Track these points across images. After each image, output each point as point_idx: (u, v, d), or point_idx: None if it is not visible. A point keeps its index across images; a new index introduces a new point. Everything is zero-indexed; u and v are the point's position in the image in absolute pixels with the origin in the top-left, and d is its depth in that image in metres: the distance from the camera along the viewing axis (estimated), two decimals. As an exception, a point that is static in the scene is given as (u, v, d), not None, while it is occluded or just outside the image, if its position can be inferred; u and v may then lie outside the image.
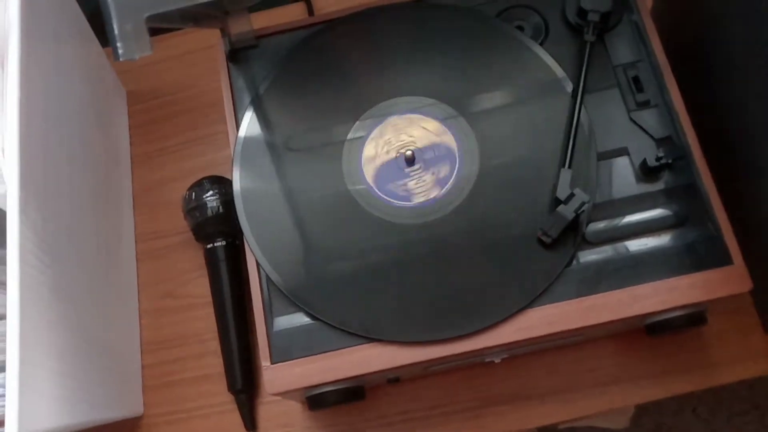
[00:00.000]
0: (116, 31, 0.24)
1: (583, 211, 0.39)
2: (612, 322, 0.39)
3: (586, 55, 0.42)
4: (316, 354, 0.39)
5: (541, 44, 0.44)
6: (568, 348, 0.47)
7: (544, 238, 0.39)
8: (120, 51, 0.24)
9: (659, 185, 0.41)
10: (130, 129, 0.58)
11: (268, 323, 0.40)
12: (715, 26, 0.45)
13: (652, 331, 0.42)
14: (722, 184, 0.48)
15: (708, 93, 0.48)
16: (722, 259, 0.39)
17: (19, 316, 0.33)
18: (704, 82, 0.48)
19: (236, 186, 0.43)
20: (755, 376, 0.46)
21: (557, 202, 0.39)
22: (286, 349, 0.40)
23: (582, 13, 0.43)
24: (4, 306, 0.34)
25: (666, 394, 0.46)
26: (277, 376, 0.39)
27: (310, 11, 0.56)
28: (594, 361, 0.47)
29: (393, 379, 0.45)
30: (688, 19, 0.48)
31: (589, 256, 0.40)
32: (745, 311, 0.47)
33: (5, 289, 0.32)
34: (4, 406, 0.33)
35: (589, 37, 0.43)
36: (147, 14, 0.24)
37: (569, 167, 0.40)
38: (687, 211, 0.40)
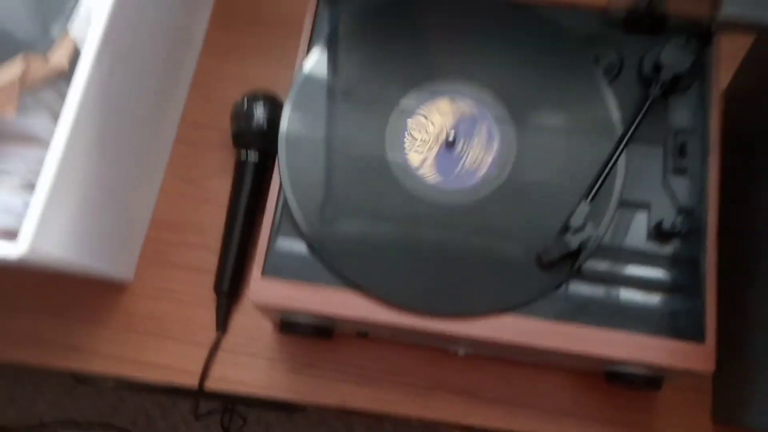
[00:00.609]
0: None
1: (587, 245, 0.41)
2: (576, 354, 0.41)
3: (644, 109, 0.44)
4: (302, 282, 0.42)
5: (610, 82, 0.46)
6: (529, 366, 0.50)
7: (543, 256, 0.41)
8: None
9: (666, 249, 0.43)
10: (211, 17, 0.60)
11: (272, 239, 0.43)
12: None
13: (611, 378, 0.44)
14: (725, 271, 0.50)
15: (747, 186, 0.49)
16: (696, 335, 0.41)
17: (64, 146, 0.35)
18: (748, 174, 0.49)
19: (286, 112, 0.45)
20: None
21: (567, 229, 0.41)
22: (279, 267, 0.43)
23: (657, 67, 0.45)
24: (46, 132, 0.36)
25: (601, 440, 0.48)
26: (263, 289, 0.42)
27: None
28: (548, 387, 0.49)
29: (363, 333, 0.48)
30: (757, 109, 0.50)
31: (579, 287, 0.42)
32: (702, 393, 0.49)
33: (55, 119, 0.35)
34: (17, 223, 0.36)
35: (654, 92, 0.44)
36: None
37: (590, 201, 0.42)
38: (682, 281, 0.42)
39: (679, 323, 0.41)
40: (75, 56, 0.38)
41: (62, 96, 0.37)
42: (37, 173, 0.36)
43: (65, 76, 0.37)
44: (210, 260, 0.53)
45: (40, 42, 0.40)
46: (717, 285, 0.49)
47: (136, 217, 0.52)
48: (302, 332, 0.44)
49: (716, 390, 0.49)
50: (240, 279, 0.51)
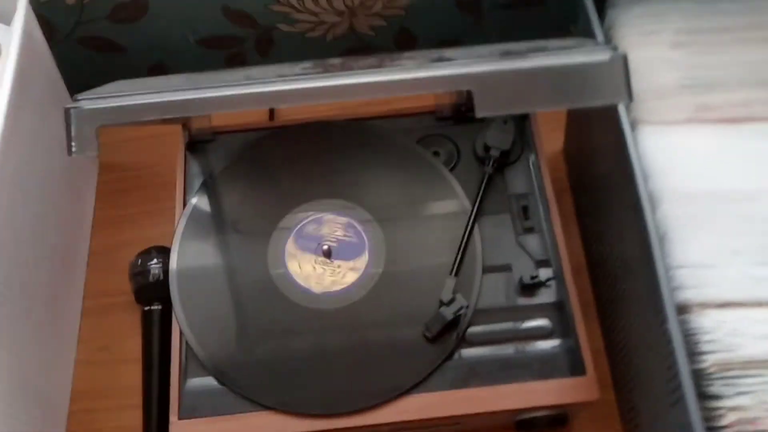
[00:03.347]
0: (73, 133, 0.31)
1: (461, 314, 0.46)
2: (479, 414, 0.45)
3: (483, 184, 0.50)
4: (219, 415, 0.45)
5: (451, 169, 0.52)
6: (452, 435, 0.53)
7: (426, 333, 0.46)
8: (73, 149, 0.31)
9: (534, 300, 0.48)
10: (97, 195, 0.65)
11: (182, 383, 0.46)
12: (595, 172, 0.53)
13: (520, 427, 0.48)
14: (600, 306, 0.56)
15: (598, 226, 0.56)
16: (578, 369, 0.46)
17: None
18: (596, 216, 0.56)
19: (173, 257, 0.50)
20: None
21: (441, 303, 0.46)
22: (194, 407, 0.45)
23: (487, 148, 0.52)
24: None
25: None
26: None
27: (271, 116, 0.64)
28: (474, 451, 0.52)
29: (291, 447, 0.50)
30: (586, 161, 0.57)
31: (468, 353, 0.47)
32: (611, 419, 0.53)
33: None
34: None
35: (488, 169, 0.51)
36: (101, 124, 0.31)
37: (455, 275, 0.47)
38: (554, 324, 0.47)
39: (560, 362, 0.46)
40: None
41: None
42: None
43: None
44: (136, 417, 0.54)
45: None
46: (600, 318, 0.55)
47: (54, 395, 0.54)
48: (231, 463, 0.46)
49: (622, 413, 0.53)
50: (166, 427, 0.53)
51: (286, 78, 0.35)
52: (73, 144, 0.31)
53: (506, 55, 0.35)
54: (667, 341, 0.36)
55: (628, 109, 0.42)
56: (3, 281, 0.45)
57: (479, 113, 0.32)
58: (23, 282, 0.49)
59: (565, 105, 0.40)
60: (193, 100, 0.34)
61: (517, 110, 0.38)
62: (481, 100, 0.32)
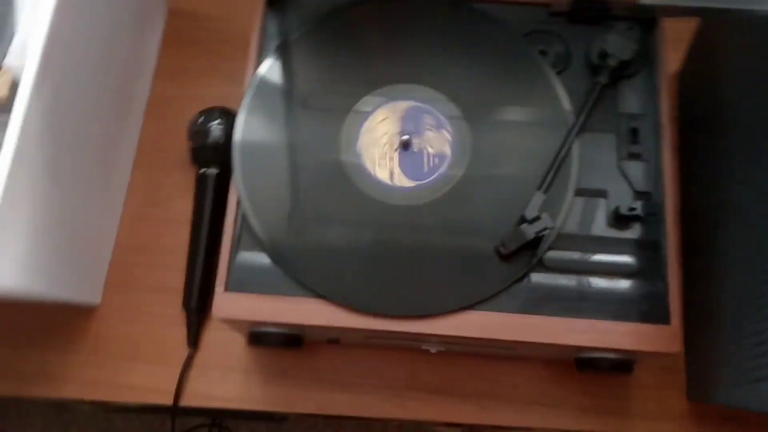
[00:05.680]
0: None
1: (543, 235, 0.41)
2: (543, 344, 0.41)
3: (593, 96, 0.44)
4: (266, 294, 0.42)
5: (558, 73, 0.46)
6: (501, 359, 0.50)
7: (501, 249, 0.41)
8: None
9: (626, 234, 0.43)
10: (163, 42, 0.60)
11: (233, 254, 0.43)
12: (717, 104, 0.46)
13: (581, 365, 0.44)
14: (690, 252, 0.50)
15: (703, 163, 0.49)
16: (662, 317, 0.41)
17: (6, 176, 0.35)
18: (704, 152, 0.50)
19: (239, 123, 0.45)
20: (665, 436, 0.48)
21: (523, 220, 0.41)
22: (242, 281, 0.42)
23: (603, 55, 0.45)
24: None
25: (580, 428, 0.49)
26: (227, 304, 0.42)
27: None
28: (521, 379, 0.49)
29: (333, 339, 0.48)
30: (707, 90, 0.50)
31: (541, 278, 0.42)
32: (675, 373, 0.49)
33: None
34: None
35: (602, 79, 0.44)
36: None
37: (544, 192, 0.42)
38: (644, 265, 0.43)
39: (643, 307, 0.42)
40: (14, 87, 0.38)
41: (4, 127, 0.37)
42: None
43: (6, 107, 0.37)
44: (177, 279, 0.52)
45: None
46: (683, 266, 0.50)
47: (99, 242, 0.52)
48: (271, 343, 0.44)
49: (689, 369, 0.49)
50: (207, 295, 0.51)
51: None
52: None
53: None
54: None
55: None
56: (63, 118, 0.41)
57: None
58: (82, 120, 0.45)
59: (740, 3, 0.32)
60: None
61: (685, 2, 0.31)
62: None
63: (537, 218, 0.41)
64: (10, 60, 0.38)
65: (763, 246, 0.38)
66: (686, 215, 0.52)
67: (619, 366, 0.43)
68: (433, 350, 0.48)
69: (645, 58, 0.46)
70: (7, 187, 0.36)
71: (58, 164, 0.43)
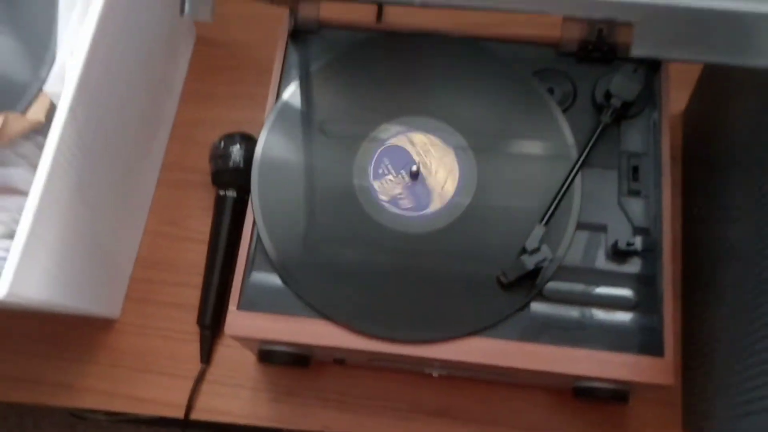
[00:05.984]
0: (189, -6, 0.28)
1: (543, 266, 0.43)
2: (542, 372, 0.43)
3: (596, 134, 0.46)
4: (277, 313, 0.44)
5: (564, 110, 0.48)
6: (502, 385, 0.51)
7: (502, 278, 0.43)
8: (186, 8, 0.28)
9: (625, 268, 0.45)
10: (190, 67, 0.63)
11: (246, 274, 0.45)
12: (720, 144, 0.48)
13: (578, 393, 0.45)
14: (689, 287, 0.52)
15: (705, 200, 0.51)
16: (656, 349, 0.43)
17: (40, 194, 0.38)
18: (706, 188, 0.51)
19: (259, 148, 0.48)
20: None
21: (524, 251, 0.43)
22: (254, 301, 0.44)
23: (608, 95, 0.47)
24: (25, 182, 0.39)
25: (576, 456, 0.50)
26: (238, 321, 0.44)
27: (379, 17, 0.60)
28: (521, 404, 0.51)
29: (339, 360, 0.49)
30: (711, 129, 0.52)
31: (541, 308, 0.44)
32: (673, 407, 0.50)
33: (34, 169, 0.37)
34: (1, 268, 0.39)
35: (605, 118, 0.46)
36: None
37: (545, 224, 0.44)
38: (640, 298, 0.44)
39: (639, 339, 0.43)
40: (51, 110, 0.41)
41: (40, 148, 0.39)
42: (18, 222, 0.38)
43: (43, 129, 0.40)
44: (193, 296, 0.55)
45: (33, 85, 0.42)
46: (684, 299, 0.51)
47: (120, 257, 0.54)
48: (280, 361, 0.46)
49: (685, 403, 0.50)
50: (221, 312, 0.53)
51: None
52: (186, 3, 0.28)
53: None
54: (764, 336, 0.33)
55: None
56: (94, 139, 0.44)
57: (636, 51, 0.28)
58: (111, 141, 0.48)
59: (740, 60, 0.34)
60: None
61: (681, 56, 0.33)
62: (643, 37, 0.28)
63: (537, 249, 0.43)
64: (48, 86, 0.41)
65: (756, 285, 0.39)
66: (688, 250, 0.53)
67: (614, 396, 0.44)
68: (435, 374, 0.50)
69: (649, 99, 0.48)
70: (41, 205, 0.38)
71: (87, 183, 0.45)
